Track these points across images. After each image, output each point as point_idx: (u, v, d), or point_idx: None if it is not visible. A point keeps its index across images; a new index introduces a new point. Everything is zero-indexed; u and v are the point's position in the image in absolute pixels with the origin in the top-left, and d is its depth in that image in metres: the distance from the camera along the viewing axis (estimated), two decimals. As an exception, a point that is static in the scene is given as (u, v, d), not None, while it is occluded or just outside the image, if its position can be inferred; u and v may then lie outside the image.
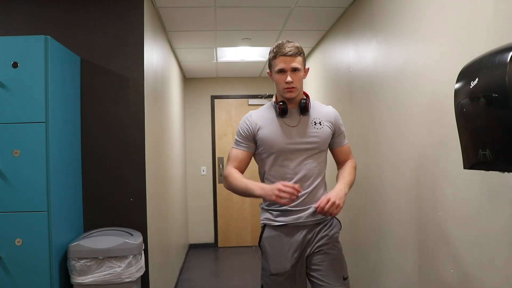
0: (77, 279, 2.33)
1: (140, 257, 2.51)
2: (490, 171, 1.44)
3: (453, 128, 1.61)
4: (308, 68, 2.09)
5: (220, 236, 6.13)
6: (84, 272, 2.34)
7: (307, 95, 2.13)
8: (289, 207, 2.02)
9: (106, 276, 2.34)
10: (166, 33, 4.03)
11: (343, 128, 2.21)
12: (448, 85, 1.88)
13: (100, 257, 2.36)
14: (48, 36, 2.32)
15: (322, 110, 2.14)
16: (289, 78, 1.95)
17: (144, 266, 2.54)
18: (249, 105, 6.18)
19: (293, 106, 2.08)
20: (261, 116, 2.12)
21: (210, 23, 3.79)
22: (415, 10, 2.34)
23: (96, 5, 2.87)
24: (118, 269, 2.36)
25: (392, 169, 2.68)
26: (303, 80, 2.05)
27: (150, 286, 2.81)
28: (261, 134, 2.07)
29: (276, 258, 2.03)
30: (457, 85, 1.47)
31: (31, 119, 2.26)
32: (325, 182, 2.19)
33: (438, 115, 2.09)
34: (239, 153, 2.13)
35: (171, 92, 4.52)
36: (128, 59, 2.87)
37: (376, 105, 2.93)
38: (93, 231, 2.64)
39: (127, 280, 2.37)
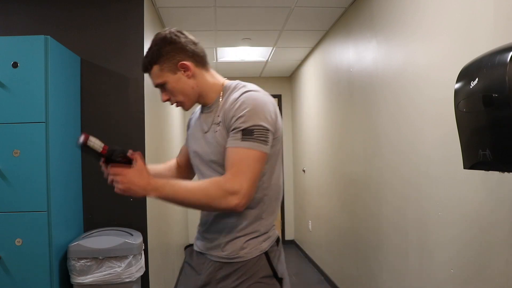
0: (77, 279, 2.33)
1: (140, 257, 2.51)
2: (490, 171, 1.44)
3: (453, 128, 1.61)
4: (183, 63, 1.36)
5: (220, 236, 6.15)
6: (84, 272, 2.34)
7: (227, 88, 1.43)
8: (200, 228, 1.50)
9: (106, 276, 2.34)
10: (166, 33, 4.03)
11: (240, 123, 1.29)
12: (448, 85, 1.88)
13: (100, 257, 2.36)
14: (48, 36, 2.32)
15: (227, 101, 1.38)
16: (162, 98, 1.43)
17: (144, 266, 2.54)
18: (249, 105, 6.19)
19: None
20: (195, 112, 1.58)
21: (210, 23, 3.79)
22: (415, 10, 2.34)
23: (96, 5, 2.87)
24: (118, 269, 2.36)
25: (392, 169, 2.68)
26: (191, 79, 1.38)
27: (150, 286, 2.81)
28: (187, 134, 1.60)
29: None
30: (457, 85, 1.46)
31: (31, 119, 2.25)
32: (254, 213, 1.38)
33: (438, 115, 2.09)
34: (182, 149, 1.66)
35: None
36: (128, 59, 2.87)
37: (376, 105, 2.93)
38: (93, 231, 2.63)
39: (127, 280, 2.37)
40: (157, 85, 1.41)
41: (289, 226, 6.22)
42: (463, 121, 1.46)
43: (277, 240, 1.44)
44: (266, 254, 1.38)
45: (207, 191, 1.26)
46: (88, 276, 2.34)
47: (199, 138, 1.45)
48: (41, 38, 2.29)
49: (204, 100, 1.44)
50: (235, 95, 1.36)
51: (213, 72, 1.46)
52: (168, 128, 4.18)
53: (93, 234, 2.55)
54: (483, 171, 1.52)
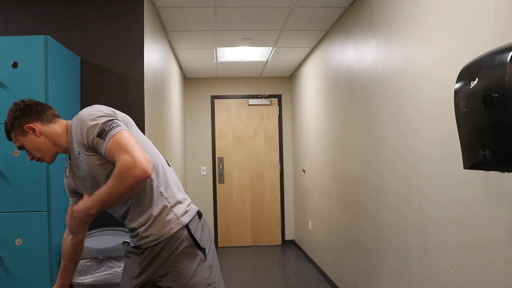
0: (77, 279, 2.33)
1: (140, 257, 2.51)
2: (490, 171, 1.44)
3: (453, 128, 1.61)
4: (28, 126, 1.59)
5: (220, 236, 6.14)
6: (84, 272, 2.34)
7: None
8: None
9: (106, 276, 2.34)
10: (166, 33, 4.03)
11: (94, 134, 1.50)
12: (448, 85, 1.88)
13: (100, 257, 2.36)
14: (48, 36, 2.32)
15: (74, 134, 1.60)
16: (28, 157, 1.66)
17: (144, 266, 2.54)
18: (249, 105, 6.18)
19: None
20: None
21: (210, 23, 3.79)
22: (415, 10, 2.34)
23: (96, 5, 2.87)
24: (118, 269, 2.36)
25: (392, 169, 2.68)
26: (41, 136, 1.61)
27: (150, 286, 2.81)
28: None
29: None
30: (457, 85, 1.47)
31: (31, 119, 2.25)
32: (154, 191, 1.61)
33: (438, 115, 2.09)
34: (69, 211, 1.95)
35: (171, 92, 4.52)
36: (128, 59, 2.87)
37: (376, 105, 2.93)
38: (93, 231, 2.63)
39: (127, 280, 2.37)
40: (19, 148, 1.65)
41: (289, 226, 6.22)
42: (463, 121, 1.46)
43: (198, 214, 1.68)
44: (187, 226, 1.60)
45: (118, 180, 1.44)
46: (88, 276, 2.34)
47: (85, 175, 1.64)
48: (41, 38, 2.29)
49: (60, 146, 1.66)
50: (74, 125, 1.60)
51: (60, 120, 1.69)
52: (168, 128, 4.18)
53: (93, 234, 2.55)
54: (483, 171, 1.52)
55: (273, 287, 4.41)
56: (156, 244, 1.59)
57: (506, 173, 1.34)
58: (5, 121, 1.62)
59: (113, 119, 1.51)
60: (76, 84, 2.78)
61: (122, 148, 1.44)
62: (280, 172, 6.22)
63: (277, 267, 5.28)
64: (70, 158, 1.69)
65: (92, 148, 1.52)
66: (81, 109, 2.76)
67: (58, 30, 2.76)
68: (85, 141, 1.51)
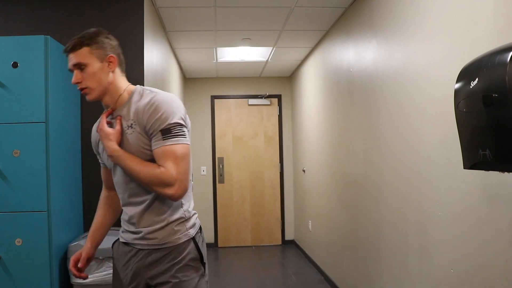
0: (77, 279, 2.33)
1: (140, 257, 2.51)
2: (490, 171, 1.44)
3: (453, 128, 1.61)
4: (112, 56, 1.52)
5: (220, 236, 6.13)
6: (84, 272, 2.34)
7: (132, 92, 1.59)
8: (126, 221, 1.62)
9: (106, 276, 2.34)
10: (166, 33, 4.03)
11: (158, 125, 1.44)
12: (448, 85, 1.88)
13: (100, 257, 2.36)
14: (48, 36, 2.32)
15: (139, 106, 1.51)
16: (73, 79, 1.50)
17: (144, 266, 2.54)
18: (249, 105, 6.18)
19: (116, 106, 1.57)
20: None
21: (210, 23, 3.79)
22: (415, 10, 2.34)
23: (96, 5, 2.87)
24: (118, 269, 2.36)
25: (392, 169, 2.68)
26: (111, 73, 1.52)
27: (150, 286, 2.81)
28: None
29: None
30: (457, 85, 1.47)
31: (31, 119, 2.26)
32: (172, 203, 1.54)
33: (438, 115, 2.09)
34: (101, 171, 1.77)
35: (171, 92, 4.51)
36: (128, 59, 2.82)
37: (376, 105, 2.93)
38: (93, 231, 2.63)
39: (127, 280, 2.37)
40: (75, 65, 1.48)
41: (289, 226, 6.22)
42: (463, 121, 1.46)
43: (200, 228, 1.64)
44: (194, 239, 1.56)
45: (151, 177, 1.43)
46: (88, 276, 2.34)
47: (122, 147, 1.52)
48: (41, 38, 2.29)
49: (109, 98, 1.55)
50: (146, 100, 1.50)
51: (125, 78, 1.63)
52: (168, 128, 4.17)
53: (93, 234, 2.55)
54: (483, 171, 1.52)
55: (273, 287, 4.41)
56: (157, 249, 1.52)
57: (506, 173, 1.34)
58: (87, 33, 1.49)
59: (183, 126, 1.48)
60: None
61: (176, 160, 1.42)
62: (280, 172, 6.22)
63: (277, 267, 5.28)
64: (112, 118, 1.56)
65: (146, 133, 1.47)
66: (81, 109, 2.79)
67: (58, 30, 2.76)
68: (146, 123, 1.45)
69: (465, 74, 1.43)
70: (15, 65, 2.25)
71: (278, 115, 6.24)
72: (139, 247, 1.55)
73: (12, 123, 2.24)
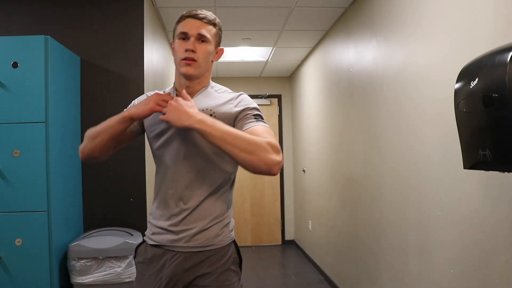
0: (77, 279, 2.33)
1: (140, 257, 2.51)
2: (490, 171, 1.44)
3: (453, 128, 1.61)
4: (222, 50, 1.53)
5: (220, 236, 6.15)
6: (84, 272, 2.34)
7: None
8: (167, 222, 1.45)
9: (106, 276, 2.34)
10: (166, 33, 4.03)
11: (249, 111, 1.42)
12: (448, 85, 1.88)
13: (100, 257, 2.36)
14: (48, 36, 2.32)
15: (221, 97, 1.49)
16: (189, 45, 1.41)
17: (144, 266, 2.54)
18: (249, 105, 6.19)
19: (191, 94, 1.48)
20: None
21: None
22: (415, 10, 2.34)
23: (96, 5, 2.87)
24: (118, 269, 2.36)
25: (392, 169, 2.68)
26: (213, 64, 1.51)
27: (150, 286, 2.81)
28: None
29: None
30: (457, 85, 1.47)
31: (31, 119, 2.26)
32: (228, 199, 1.48)
33: (438, 115, 2.09)
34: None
35: (171, 92, 4.52)
36: (128, 59, 2.87)
37: (376, 105, 2.93)
38: (93, 231, 2.63)
39: (127, 280, 2.37)
40: (200, 35, 1.43)
41: (289, 226, 6.22)
42: (463, 121, 1.46)
43: None
44: (234, 242, 1.48)
45: (255, 142, 1.27)
46: (88, 276, 2.34)
47: (192, 135, 1.40)
48: (41, 38, 2.29)
49: (198, 83, 1.48)
50: (229, 94, 1.50)
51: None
52: (168, 128, 4.17)
53: (93, 234, 2.55)
54: (483, 171, 1.52)
55: (273, 287, 4.41)
56: (198, 252, 1.40)
57: (506, 173, 1.34)
58: (214, 16, 1.50)
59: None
60: (76, 84, 2.78)
61: (271, 136, 1.31)
62: (280, 172, 6.23)
63: (277, 267, 5.28)
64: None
65: (232, 119, 1.40)
66: (81, 109, 2.79)
67: (58, 30, 2.76)
68: (233, 113, 1.40)
69: (465, 74, 1.43)
70: (15, 65, 2.25)
71: (278, 115, 6.24)
72: (178, 249, 1.40)
73: (12, 123, 2.24)
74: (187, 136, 1.40)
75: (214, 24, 1.47)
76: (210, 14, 1.49)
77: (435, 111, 2.13)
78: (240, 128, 1.35)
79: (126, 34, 2.87)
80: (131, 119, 1.40)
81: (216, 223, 1.42)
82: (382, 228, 2.84)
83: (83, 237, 2.49)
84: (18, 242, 2.21)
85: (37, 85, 2.27)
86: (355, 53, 3.36)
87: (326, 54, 4.27)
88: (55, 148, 2.33)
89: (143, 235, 1.53)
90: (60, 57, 2.48)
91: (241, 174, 5.30)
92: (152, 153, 1.51)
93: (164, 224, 1.43)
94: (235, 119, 1.41)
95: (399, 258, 2.59)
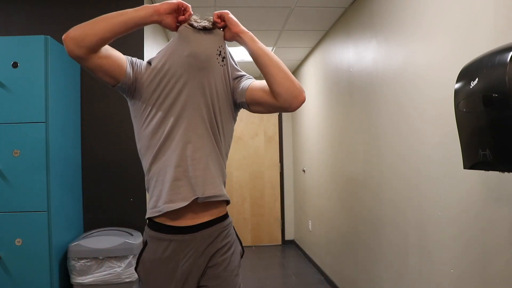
0: (77, 279, 2.33)
1: (140, 257, 2.51)
2: (490, 171, 1.44)
3: (453, 128, 1.61)
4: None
5: (220, 236, 6.15)
6: (84, 272, 2.34)
7: None
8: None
9: (106, 276, 2.34)
10: (166, 33, 4.03)
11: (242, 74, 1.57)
12: (448, 85, 1.88)
13: (100, 257, 2.36)
14: (48, 36, 2.32)
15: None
16: None
17: (144, 266, 2.54)
18: (249, 105, 6.19)
19: None
20: None
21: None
22: (415, 10, 2.34)
23: (96, 5, 2.88)
24: (118, 269, 2.36)
25: (392, 169, 2.68)
26: None
27: (150, 286, 2.81)
28: None
29: None
30: (457, 85, 1.47)
31: (31, 119, 2.26)
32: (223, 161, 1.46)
33: (438, 115, 2.09)
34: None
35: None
36: (128, 59, 2.87)
37: (376, 105, 2.93)
38: (93, 231, 2.63)
39: (127, 280, 2.37)
40: None
41: (289, 226, 6.22)
42: (463, 121, 1.46)
43: None
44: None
45: (286, 71, 1.38)
46: (88, 276, 2.34)
47: (210, 67, 1.38)
48: (41, 38, 2.29)
49: None
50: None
51: None
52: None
53: (93, 234, 2.55)
54: (483, 171, 1.52)
55: (273, 287, 4.41)
56: (211, 224, 1.38)
57: (506, 173, 1.34)
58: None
59: None
60: (76, 84, 2.78)
61: None
62: (280, 172, 6.22)
63: (277, 267, 5.28)
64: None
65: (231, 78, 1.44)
66: (81, 109, 2.79)
67: (58, 30, 2.74)
68: (234, 70, 1.47)
69: (465, 74, 1.43)
70: (15, 65, 2.25)
71: (278, 115, 6.24)
72: (195, 227, 1.35)
73: (12, 123, 2.24)
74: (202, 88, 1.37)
75: None
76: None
77: (435, 111, 2.13)
78: (245, 84, 1.42)
79: (126, 34, 2.86)
80: (154, 19, 1.32)
81: (223, 185, 1.48)
82: (382, 228, 2.84)
83: (83, 237, 2.49)
84: (18, 242, 2.21)
85: (37, 85, 2.27)
86: (355, 53, 3.36)
87: (326, 54, 4.27)
88: (55, 148, 2.33)
89: (143, 240, 1.47)
90: (60, 57, 2.48)
91: (241, 174, 5.28)
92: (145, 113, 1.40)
93: (177, 200, 1.39)
94: (235, 78, 1.46)
95: (399, 258, 2.59)
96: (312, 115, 4.89)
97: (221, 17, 1.45)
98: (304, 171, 5.40)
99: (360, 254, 3.31)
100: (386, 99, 2.75)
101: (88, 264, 2.34)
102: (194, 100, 1.35)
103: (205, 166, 1.36)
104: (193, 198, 1.34)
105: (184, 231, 1.36)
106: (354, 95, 3.38)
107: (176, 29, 1.37)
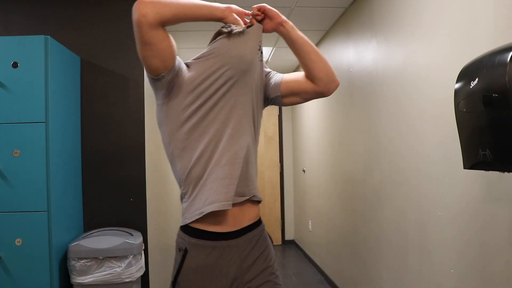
0: (77, 279, 2.33)
1: (140, 257, 2.51)
2: (490, 171, 1.44)
3: (453, 128, 1.61)
4: None
5: (220, 236, 6.14)
6: (84, 272, 2.34)
7: None
8: None
9: (106, 276, 2.34)
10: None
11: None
12: (448, 85, 1.88)
13: (100, 257, 2.36)
14: (48, 36, 2.32)
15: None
16: None
17: (144, 266, 2.54)
18: (249, 105, 6.19)
19: None
20: None
21: (209, 23, 3.78)
22: (415, 10, 2.34)
23: (96, 5, 2.87)
24: (118, 269, 2.36)
25: (392, 169, 2.68)
26: None
27: (150, 286, 2.81)
28: None
29: None
30: (457, 85, 1.46)
31: (31, 119, 2.26)
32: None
33: (438, 115, 2.09)
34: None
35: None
36: (128, 59, 2.87)
37: (376, 105, 2.93)
38: (93, 231, 2.63)
39: (127, 280, 2.37)
40: None
41: (289, 226, 6.22)
42: (463, 121, 1.46)
43: None
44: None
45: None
46: (88, 276, 2.34)
47: (254, 65, 1.38)
48: (41, 38, 2.29)
49: None
50: None
51: None
52: (168, 128, 4.17)
53: (93, 234, 2.55)
54: (483, 171, 1.52)
55: (273, 287, 4.41)
56: (256, 225, 1.37)
57: (506, 173, 1.34)
58: None
59: None
60: (76, 84, 2.78)
61: None
62: (280, 172, 6.22)
63: (277, 267, 5.28)
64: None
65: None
66: (81, 109, 2.79)
67: (58, 30, 2.76)
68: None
69: (465, 74, 1.42)
70: (15, 65, 2.25)
71: (278, 115, 6.24)
72: (237, 232, 1.32)
73: (12, 123, 2.24)
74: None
75: None
76: None
77: (435, 111, 2.13)
78: (277, 78, 1.47)
79: (126, 34, 2.86)
80: (210, 19, 1.36)
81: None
82: (382, 228, 2.84)
83: (83, 237, 2.49)
84: (18, 242, 2.21)
85: (37, 85, 2.27)
86: (355, 53, 3.36)
87: (326, 54, 4.27)
88: (55, 148, 2.33)
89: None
90: (60, 57, 2.48)
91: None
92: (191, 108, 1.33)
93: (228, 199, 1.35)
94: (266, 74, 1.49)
95: (399, 258, 2.59)
96: (312, 115, 4.89)
97: (261, 10, 1.44)
98: (304, 171, 5.40)
99: (360, 254, 3.31)
100: (386, 99, 2.75)
101: (88, 264, 2.34)
102: (240, 99, 1.33)
103: (251, 165, 1.35)
104: (244, 198, 1.31)
105: (226, 237, 1.31)
106: (354, 95, 3.38)
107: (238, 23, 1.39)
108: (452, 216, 2.00)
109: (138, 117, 2.86)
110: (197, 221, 1.28)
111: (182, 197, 1.34)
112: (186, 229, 1.32)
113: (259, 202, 1.40)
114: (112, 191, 2.82)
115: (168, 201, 4.05)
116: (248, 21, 1.41)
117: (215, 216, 1.28)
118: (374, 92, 2.96)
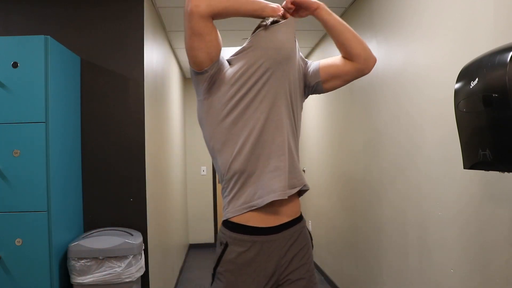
0: (77, 279, 2.33)
1: (140, 257, 2.51)
2: (490, 171, 1.44)
3: (453, 128, 1.61)
4: None
5: (220, 236, 6.13)
6: (84, 272, 2.34)
7: None
8: None
9: (106, 276, 2.34)
10: (166, 33, 4.02)
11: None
12: (448, 85, 1.88)
13: (100, 257, 2.36)
14: (48, 36, 2.32)
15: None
16: None
17: (144, 266, 2.54)
18: (249, 105, 6.18)
19: None
20: None
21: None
22: (415, 10, 2.34)
23: (96, 5, 2.87)
24: (118, 269, 2.36)
25: (392, 168, 2.68)
26: None
27: (150, 286, 2.81)
28: None
29: None
30: (457, 85, 1.47)
31: (31, 119, 2.26)
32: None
33: (438, 115, 2.09)
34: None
35: (171, 92, 4.52)
36: (128, 59, 2.87)
37: (376, 105, 2.93)
38: (93, 231, 2.63)
39: (127, 280, 2.37)
40: None
41: (289, 226, 6.21)
42: (463, 121, 1.46)
43: None
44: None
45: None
46: (88, 276, 2.34)
47: (293, 57, 1.40)
48: (41, 38, 2.29)
49: None
50: None
51: None
52: (168, 128, 4.18)
53: (93, 234, 2.55)
54: (483, 171, 1.52)
55: (273, 287, 4.41)
56: (295, 224, 1.37)
57: (506, 173, 1.34)
58: None
59: None
60: (76, 84, 2.78)
61: None
62: (280, 172, 6.21)
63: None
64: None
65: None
66: (81, 109, 2.79)
67: (58, 30, 2.76)
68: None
69: (465, 74, 1.43)
70: (15, 65, 2.25)
71: (278, 115, 6.23)
72: (278, 228, 1.32)
73: (12, 123, 2.24)
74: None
75: None
76: None
77: (435, 111, 2.13)
78: (315, 65, 1.51)
79: (126, 34, 2.86)
80: (258, 14, 1.34)
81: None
82: (382, 228, 2.84)
83: (83, 237, 2.49)
84: (18, 242, 2.21)
85: (37, 85, 2.27)
86: (355, 53, 3.36)
87: (326, 54, 4.27)
88: (55, 148, 2.33)
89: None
90: (60, 57, 2.48)
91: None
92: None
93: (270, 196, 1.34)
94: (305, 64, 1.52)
95: (399, 258, 2.59)
96: (312, 115, 4.89)
97: (294, 3, 1.41)
98: (304, 171, 5.40)
99: (360, 254, 3.31)
100: (386, 99, 2.75)
101: (88, 264, 2.34)
102: (279, 90, 1.34)
103: (295, 157, 1.36)
104: (296, 189, 1.32)
105: (267, 232, 1.31)
106: (354, 95, 3.38)
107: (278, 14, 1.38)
108: (452, 216, 2.00)
109: (138, 117, 2.85)
110: (238, 216, 1.29)
111: (223, 192, 1.35)
112: (227, 224, 1.33)
113: (305, 191, 1.41)
114: (112, 191, 2.82)
115: (168, 201, 4.05)
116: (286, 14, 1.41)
117: (257, 211, 1.28)
118: (374, 92, 2.96)
